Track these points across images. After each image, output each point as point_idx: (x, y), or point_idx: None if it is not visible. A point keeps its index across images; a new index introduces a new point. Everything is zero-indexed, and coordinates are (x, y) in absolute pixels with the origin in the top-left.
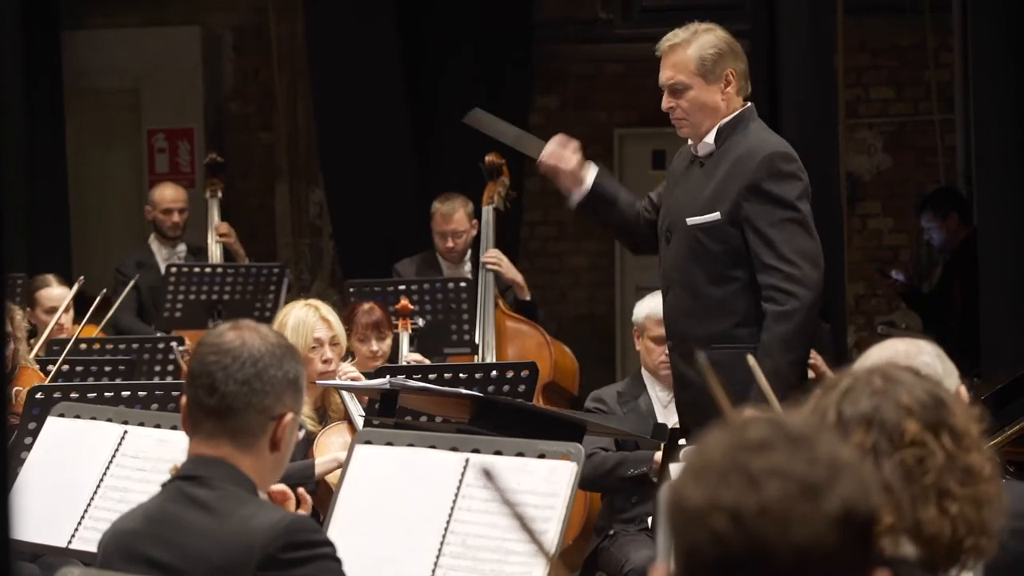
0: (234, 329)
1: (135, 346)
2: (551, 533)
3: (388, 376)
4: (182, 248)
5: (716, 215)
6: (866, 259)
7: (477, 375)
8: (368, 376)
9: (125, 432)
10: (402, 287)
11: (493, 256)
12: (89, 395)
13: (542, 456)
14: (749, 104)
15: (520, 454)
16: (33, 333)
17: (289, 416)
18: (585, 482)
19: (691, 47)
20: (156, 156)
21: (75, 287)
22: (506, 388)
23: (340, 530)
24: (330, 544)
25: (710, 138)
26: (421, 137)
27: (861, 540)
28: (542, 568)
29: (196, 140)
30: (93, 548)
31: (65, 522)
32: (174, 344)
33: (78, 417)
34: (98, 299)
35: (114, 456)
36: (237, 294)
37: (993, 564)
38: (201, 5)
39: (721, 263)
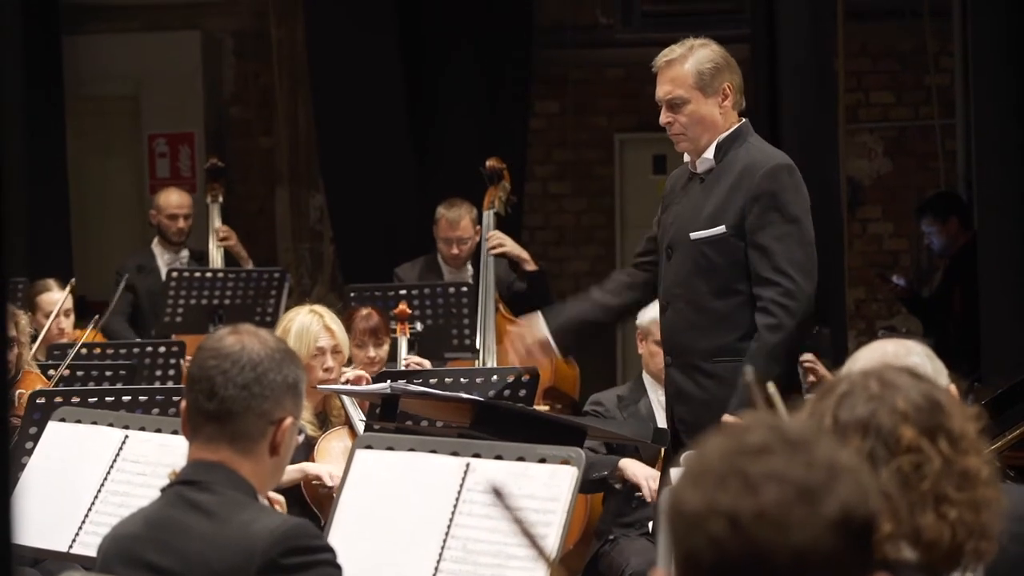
0: (234, 334)
1: (136, 351)
2: (552, 537)
3: (389, 381)
4: (185, 253)
5: (721, 228)
6: (866, 264)
7: (478, 380)
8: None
9: (126, 437)
10: (403, 292)
11: (495, 239)
12: (90, 400)
13: (543, 461)
14: (745, 120)
15: (521, 458)
16: (35, 338)
17: (288, 420)
18: None
19: (688, 61)
20: (157, 161)
21: (67, 290)
22: (507, 393)
23: (341, 535)
24: (330, 550)
25: (709, 153)
26: (421, 142)
27: (860, 543)
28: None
29: (197, 145)
30: (94, 553)
31: (66, 527)
32: (175, 349)
33: (79, 422)
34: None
35: (115, 461)
36: (238, 299)
37: (994, 567)
38: (201, 10)
39: (726, 276)
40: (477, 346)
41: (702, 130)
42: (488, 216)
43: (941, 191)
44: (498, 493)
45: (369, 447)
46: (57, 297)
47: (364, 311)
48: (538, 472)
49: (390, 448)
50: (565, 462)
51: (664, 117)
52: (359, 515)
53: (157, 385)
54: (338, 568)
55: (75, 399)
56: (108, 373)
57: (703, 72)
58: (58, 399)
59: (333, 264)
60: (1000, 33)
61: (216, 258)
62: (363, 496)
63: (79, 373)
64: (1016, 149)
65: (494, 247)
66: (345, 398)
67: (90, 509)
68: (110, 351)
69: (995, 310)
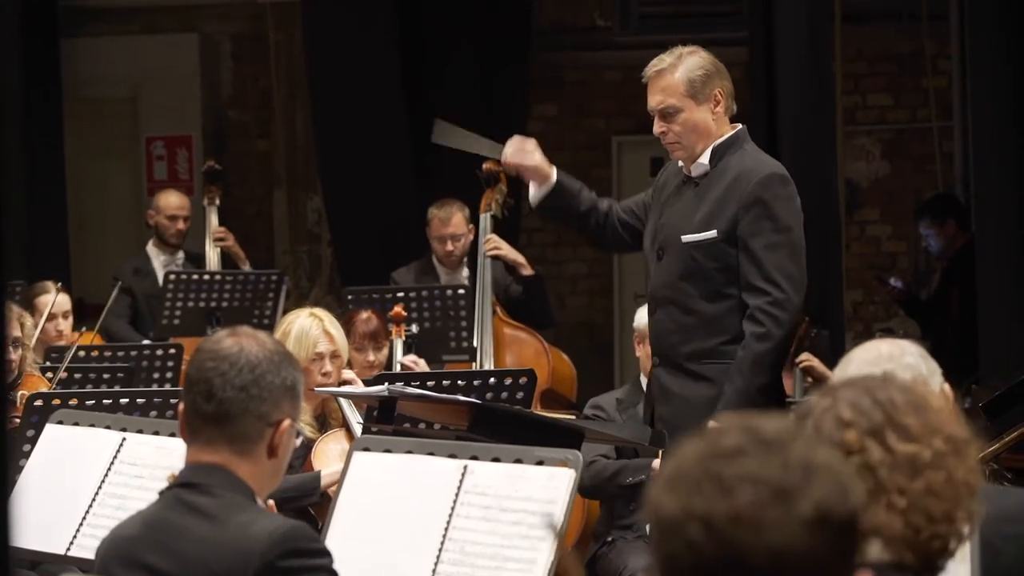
0: (232, 336)
1: (134, 353)
2: (549, 540)
3: (386, 383)
4: (180, 255)
5: (712, 233)
6: (864, 266)
7: (475, 382)
8: (366, 383)
9: (124, 439)
10: (400, 294)
11: (492, 242)
12: (88, 402)
13: (540, 463)
14: (742, 126)
15: (518, 461)
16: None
17: (287, 422)
18: (585, 489)
19: (678, 70)
20: (154, 163)
21: (54, 291)
22: (504, 395)
23: (338, 537)
24: (327, 554)
25: (704, 158)
26: (419, 145)
27: (840, 543)
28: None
29: (194, 148)
30: (91, 555)
31: (63, 529)
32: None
33: (77, 424)
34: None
35: (112, 463)
36: (236, 301)
37: (992, 568)
38: (199, 13)
39: (715, 281)
40: (475, 348)
41: (697, 138)
42: (485, 219)
43: (939, 193)
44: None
45: (367, 449)
46: (54, 299)
47: (364, 315)
48: (536, 474)
49: (388, 450)
50: (563, 464)
51: (657, 127)
52: (356, 517)
53: (155, 387)
54: (334, 574)
55: (73, 401)
56: (106, 375)
57: (694, 80)
58: (56, 401)
59: (331, 267)
60: (997, 36)
61: (213, 260)
62: (360, 498)
63: (77, 375)
64: (1014, 151)
65: (491, 250)
66: (343, 400)
67: (87, 511)
68: (108, 353)
69: (993, 312)
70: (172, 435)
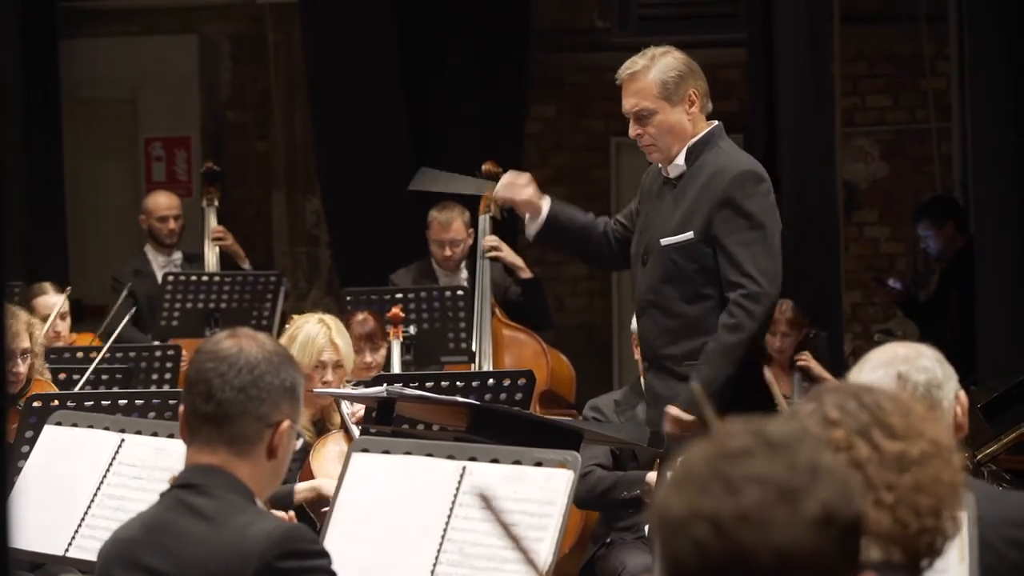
0: (231, 337)
1: (132, 354)
2: (548, 541)
3: (385, 384)
4: (178, 256)
5: (689, 234)
6: (863, 267)
7: (474, 383)
8: (366, 385)
9: (122, 440)
10: (399, 295)
11: (493, 242)
12: (86, 403)
13: (539, 464)
14: (717, 123)
15: (517, 462)
16: None
17: (286, 424)
18: (580, 502)
19: (651, 72)
20: (153, 165)
21: (57, 294)
22: (503, 396)
23: (337, 538)
24: (326, 556)
25: (680, 159)
26: (418, 145)
27: (844, 543)
28: None
29: (193, 149)
30: (90, 556)
31: (62, 530)
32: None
33: (75, 425)
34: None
35: (111, 464)
36: (234, 302)
37: (994, 573)
38: (198, 14)
39: (694, 282)
40: (473, 350)
41: (672, 139)
42: (484, 220)
43: (938, 195)
44: (485, 499)
45: (365, 450)
46: (53, 301)
47: (360, 316)
48: (534, 476)
49: (386, 451)
50: (561, 466)
51: (633, 130)
52: (355, 518)
53: (153, 389)
54: (333, 574)
55: (71, 403)
56: (104, 377)
57: (667, 81)
58: (54, 403)
59: (329, 268)
60: (996, 37)
61: (211, 260)
62: (359, 499)
63: (75, 377)
64: (1013, 153)
65: (489, 251)
66: (342, 403)
67: (86, 513)
68: (106, 355)
69: (991, 314)
70: (171, 436)
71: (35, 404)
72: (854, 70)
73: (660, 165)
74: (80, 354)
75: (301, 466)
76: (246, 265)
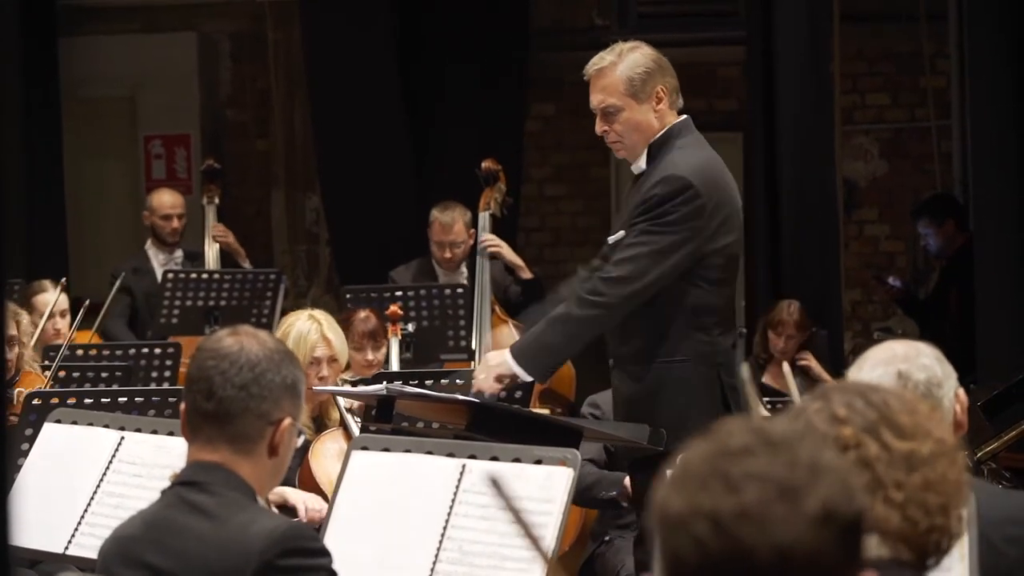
0: (232, 335)
1: (132, 352)
2: (548, 539)
3: (385, 382)
4: (179, 254)
5: (621, 233)
6: (862, 265)
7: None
8: (365, 383)
9: (122, 438)
10: (398, 293)
11: (492, 239)
12: (86, 401)
13: (539, 462)
14: (683, 118)
15: (517, 460)
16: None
17: (287, 421)
18: None
19: (618, 68)
20: (153, 162)
21: (59, 289)
22: (503, 394)
23: (337, 536)
24: (327, 554)
25: (643, 160)
26: (418, 144)
27: (845, 541)
28: (541, 572)
29: (193, 146)
30: (90, 554)
31: (62, 528)
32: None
33: (75, 423)
34: (83, 309)
35: (111, 462)
36: (234, 300)
37: (994, 570)
38: (198, 12)
39: None
40: (473, 347)
41: (639, 137)
42: (484, 218)
43: (937, 193)
44: (495, 483)
45: (365, 448)
46: (52, 298)
47: (362, 314)
48: (534, 473)
49: (386, 449)
50: (561, 463)
51: (599, 126)
52: (355, 516)
53: (153, 387)
54: (334, 574)
55: (71, 400)
56: (104, 374)
57: (634, 79)
58: (54, 400)
59: (329, 266)
60: (996, 35)
61: (211, 258)
62: (359, 497)
63: (75, 374)
64: (1012, 151)
65: (490, 246)
66: (340, 400)
67: (86, 511)
68: (106, 352)
69: (991, 312)
70: (171, 434)
71: (35, 402)
72: (854, 68)
73: (628, 162)
74: (80, 352)
75: (300, 463)
76: (246, 264)
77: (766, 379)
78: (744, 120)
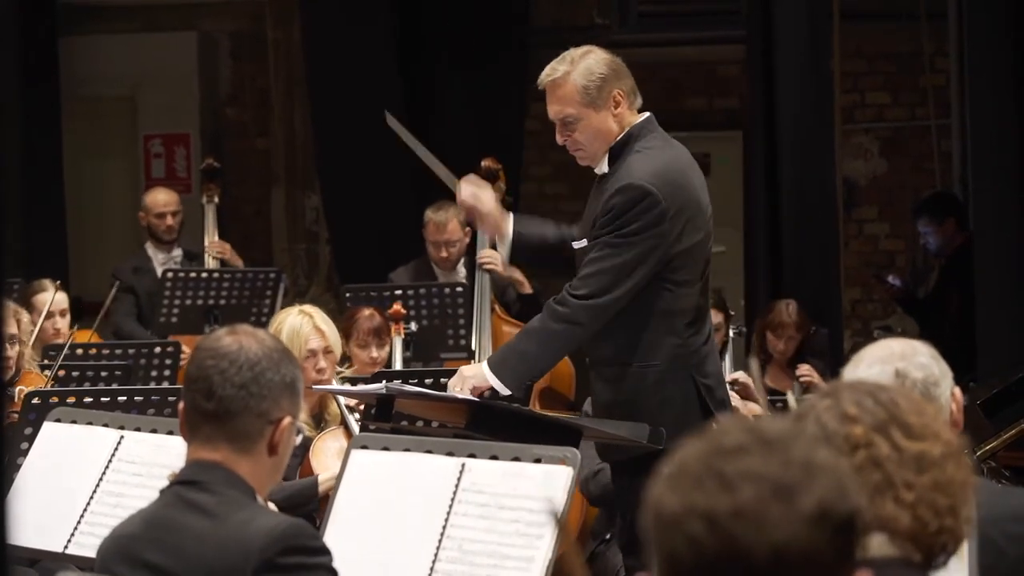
0: (231, 334)
1: (131, 351)
2: (547, 538)
3: (384, 381)
4: (178, 253)
5: (585, 242)
6: (862, 264)
7: None
8: (365, 381)
9: (121, 437)
10: (398, 292)
11: (488, 256)
12: (86, 400)
13: (538, 461)
14: (644, 117)
15: (516, 459)
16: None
17: (287, 420)
18: (594, 499)
19: (572, 77)
20: (152, 161)
21: (53, 291)
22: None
23: (336, 534)
24: (327, 552)
25: (604, 164)
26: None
27: (840, 540)
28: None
29: (192, 145)
30: (89, 553)
31: (61, 527)
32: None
33: (74, 422)
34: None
35: (110, 461)
36: (233, 299)
37: (994, 568)
38: (198, 11)
39: None
40: (473, 347)
41: (600, 143)
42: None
43: (937, 191)
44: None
45: (365, 447)
46: (52, 298)
47: (367, 311)
48: (534, 472)
49: (386, 448)
50: (561, 462)
51: (559, 137)
52: (355, 515)
53: (152, 386)
54: (334, 572)
55: (71, 399)
56: (104, 373)
57: (589, 87)
58: (54, 399)
59: (329, 265)
60: (996, 34)
61: (210, 264)
62: (359, 496)
63: (75, 373)
64: (1012, 149)
65: (487, 262)
66: (340, 398)
67: (85, 510)
68: (106, 351)
69: (991, 310)
70: (170, 433)
71: (34, 401)
72: (853, 67)
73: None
74: (80, 351)
75: (301, 462)
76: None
77: (766, 380)
78: (744, 119)
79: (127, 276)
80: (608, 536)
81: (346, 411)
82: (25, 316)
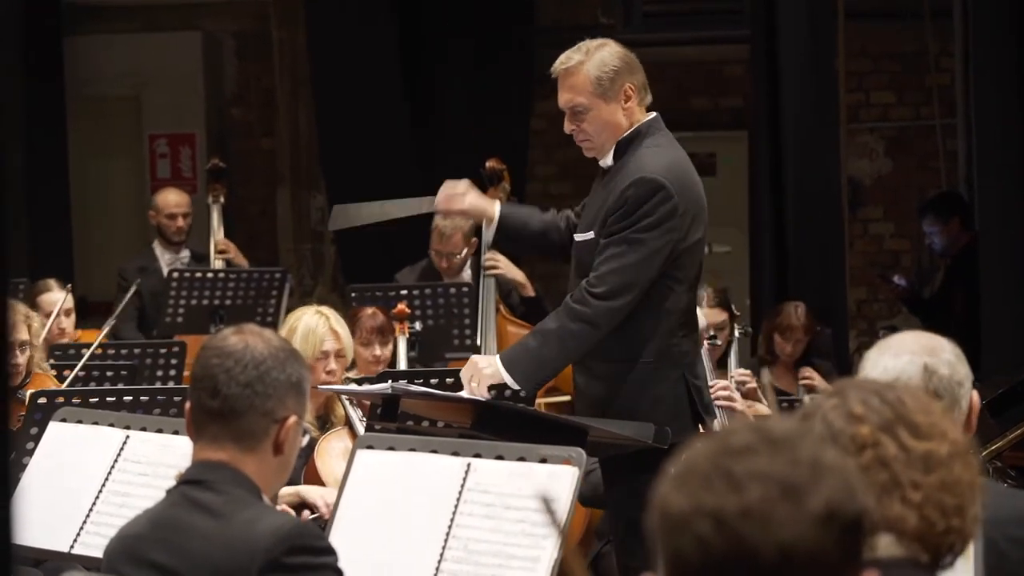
0: (237, 333)
1: (137, 351)
2: (552, 538)
3: (390, 381)
4: (185, 253)
5: (590, 234)
6: (868, 264)
7: None
8: (370, 381)
9: (127, 437)
10: (404, 292)
11: (491, 259)
12: (91, 400)
13: (544, 461)
14: (652, 115)
15: (522, 459)
16: None
17: (292, 419)
18: (585, 499)
19: (586, 67)
20: (158, 161)
21: (60, 292)
22: (507, 393)
23: (342, 535)
24: (333, 552)
25: (610, 157)
26: (422, 142)
27: (847, 540)
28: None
29: (198, 145)
30: (95, 553)
31: (67, 527)
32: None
33: (80, 422)
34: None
35: (116, 461)
36: (239, 299)
37: (996, 571)
38: (202, 11)
39: None
40: (478, 346)
41: (608, 135)
42: (489, 232)
43: (942, 191)
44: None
45: (370, 447)
46: (57, 298)
47: (369, 310)
48: (539, 472)
49: (391, 448)
50: (566, 462)
51: (567, 126)
52: (360, 515)
53: (158, 385)
54: (340, 572)
55: (76, 400)
56: (109, 373)
57: (602, 78)
58: (59, 399)
59: (334, 264)
60: (1001, 33)
61: (217, 264)
62: (364, 496)
63: (80, 373)
64: (1017, 149)
65: (490, 268)
66: (345, 398)
67: (91, 509)
68: (111, 351)
69: (996, 310)
70: (175, 433)
71: (40, 400)
72: (858, 66)
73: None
74: (85, 351)
75: (306, 462)
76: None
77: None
78: (749, 118)
79: (133, 276)
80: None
81: (352, 412)
82: (36, 320)
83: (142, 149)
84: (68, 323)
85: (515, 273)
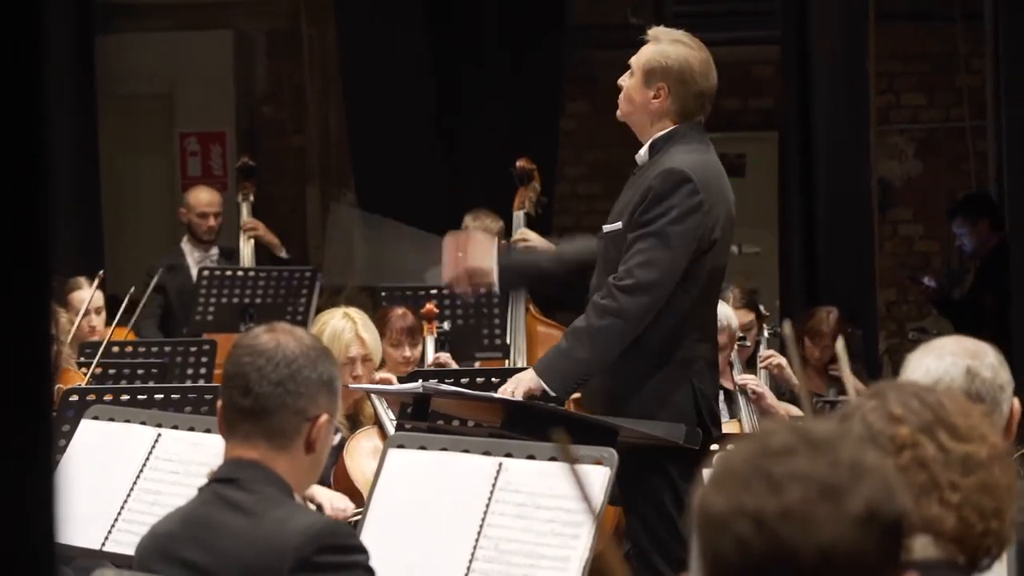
0: (269, 331)
1: (167, 349)
2: (583, 537)
3: (420, 380)
4: (214, 251)
5: (619, 224)
6: (897, 265)
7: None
8: (400, 380)
9: (158, 435)
10: (433, 291)
11: (524, 235)
12: (123, 398)
13: None
14: (694, 121)
15: (553, 458)
16: None
17: (324, 417)
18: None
19: (654, 47)
20: (188, 160)
21: (95, 284)
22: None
23: (373, 534)
24: (364, 552)
25: (644, 150)
26: (452, 141)
27: (887, 542)
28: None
29: (228, 144)
30: (127, 551)
31: (99, 525)
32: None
33: (112, 420)
34: (125, 302)
35: (148, 459)
36: (269, 298)
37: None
38: (233, 9)
39: None
40: (508, 344)
41: (630, 108)
42: (519, 217)
43: (972, 192)
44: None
45: (401, 447)
46: (87, 295)
47: (399, 310)
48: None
49: (422, 448)
50: (597, 462)
51: (622, 78)
52: (391, 514)
53: (189, 384)
54: (371, 571)
55: (108, 397)
56: (140, 371)
57: (651, 62)
58: (91, 397)
59: None
60: None
61: (247, 255)
62: (395, 496)
63: (111, 371)
64: None
65: (520, 241)
66: (375, 398)
67: (123, 507)
68: (142, 349)
69: None
70: (207, 431)
71: (72, 398)
72: (889, 68)
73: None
74: (116, 349)
75: (335, 461)
76: (283, 253)
77: None
78: (779, 119)
79: (161, 274)
80: None
81: (382, 411)
82: (64, 315)
83: (173, 147)
84: (99, 321)
85: (546, 247)
